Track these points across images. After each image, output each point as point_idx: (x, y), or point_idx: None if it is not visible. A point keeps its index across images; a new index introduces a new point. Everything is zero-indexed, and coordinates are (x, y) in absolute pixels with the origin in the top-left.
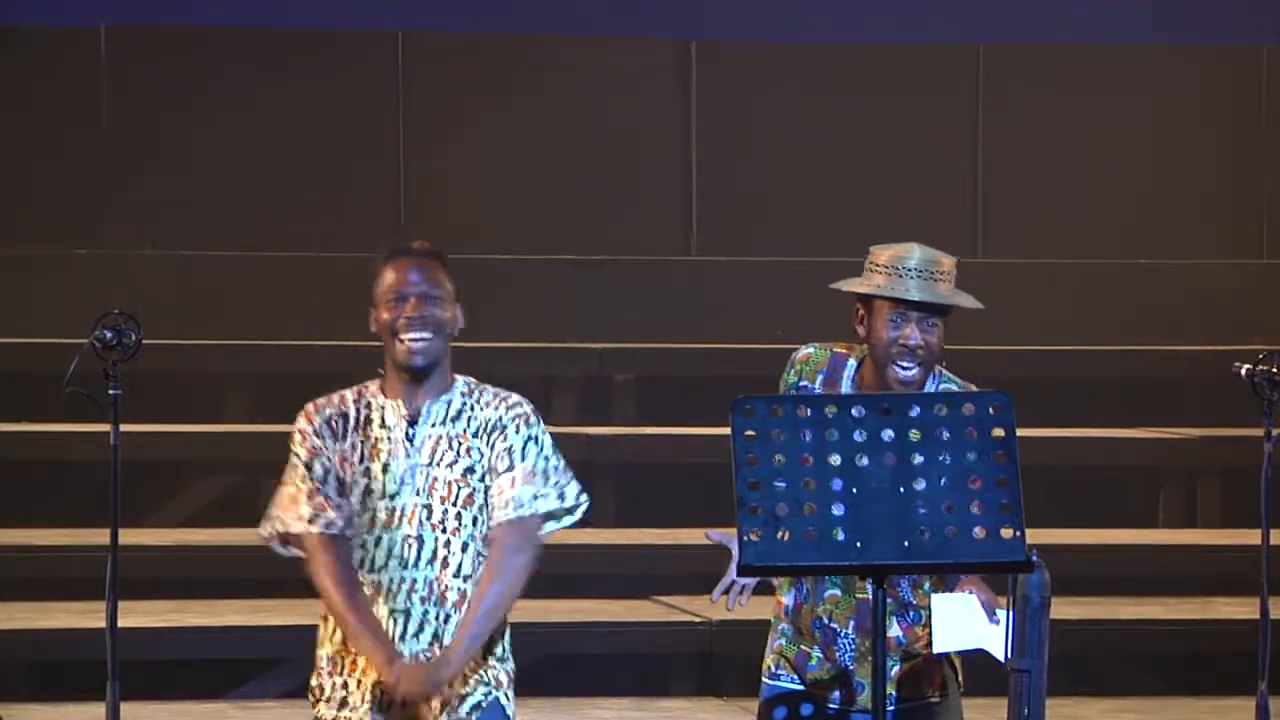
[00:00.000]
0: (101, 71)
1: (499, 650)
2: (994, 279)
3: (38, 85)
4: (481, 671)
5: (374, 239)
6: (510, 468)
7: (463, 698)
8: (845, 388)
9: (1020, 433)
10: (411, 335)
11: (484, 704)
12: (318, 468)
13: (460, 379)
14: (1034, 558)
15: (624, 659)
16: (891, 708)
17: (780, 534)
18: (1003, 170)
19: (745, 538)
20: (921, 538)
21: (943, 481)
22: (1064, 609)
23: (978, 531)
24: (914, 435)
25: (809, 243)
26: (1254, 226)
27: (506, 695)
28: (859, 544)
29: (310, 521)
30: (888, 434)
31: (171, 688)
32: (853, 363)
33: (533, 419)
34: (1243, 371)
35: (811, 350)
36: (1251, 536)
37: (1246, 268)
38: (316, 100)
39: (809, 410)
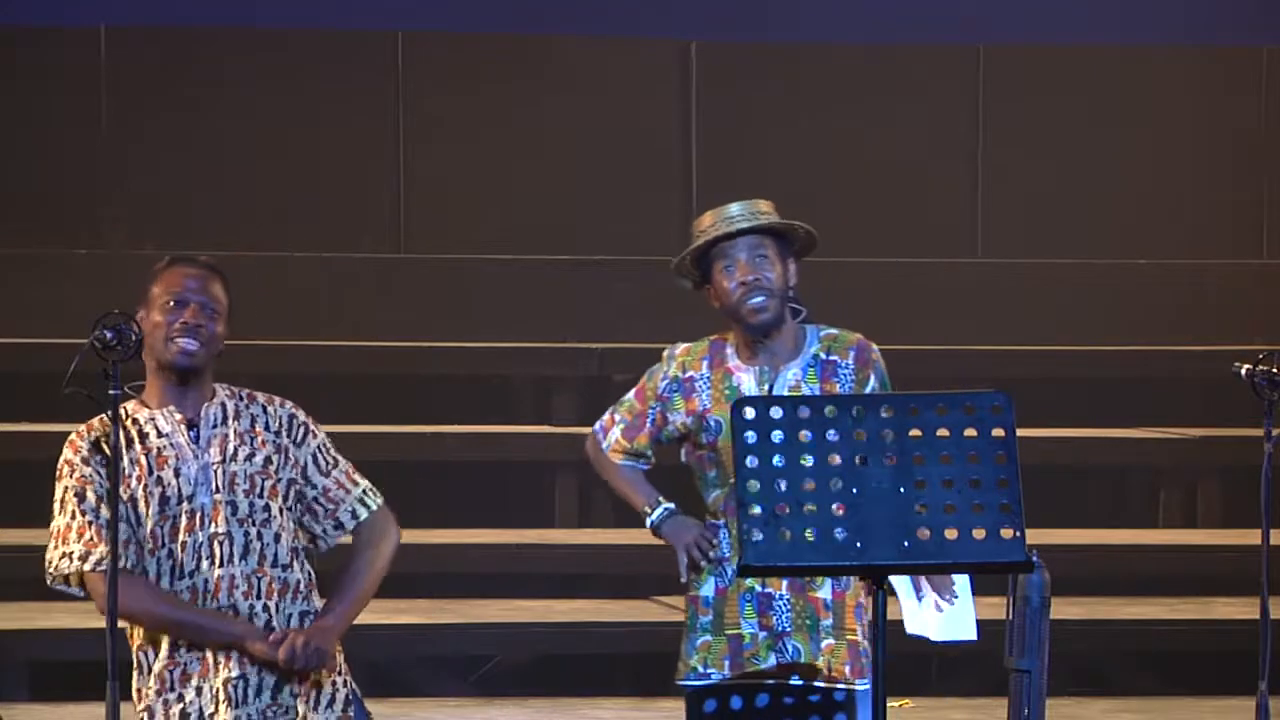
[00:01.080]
0: (101, 71)
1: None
2: (994, 279)
3: (38, 85)
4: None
5: (374, 239)
6: (335, 464)
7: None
8: (732, 361)
9: (1020, 433)
10: (185, 340)
11: (351, 698)
12: (90, 497)
13: (219, 386)
14: (1034, 558)
15: (624, 659)
16: (820, 684)
17: (781, 534)
18: (1003, 170)
19: (746, 538)
20: (921, 538)
21: (942, 482)
22: (1064, 609)
23: (977, 532)
24: (914, 435)
25: None
26: (1254, 226)
27: (352, 681)
28: (859, 544)
29: (82, 560)
30: (888, 434)
31: None
32: (731, 342)
33: (310, 419)
34: (1243, 371)
35: (688, 345)
36: (1251, 536)
37: (1246, 268)
38: (316, 100)
39: (809, 411)
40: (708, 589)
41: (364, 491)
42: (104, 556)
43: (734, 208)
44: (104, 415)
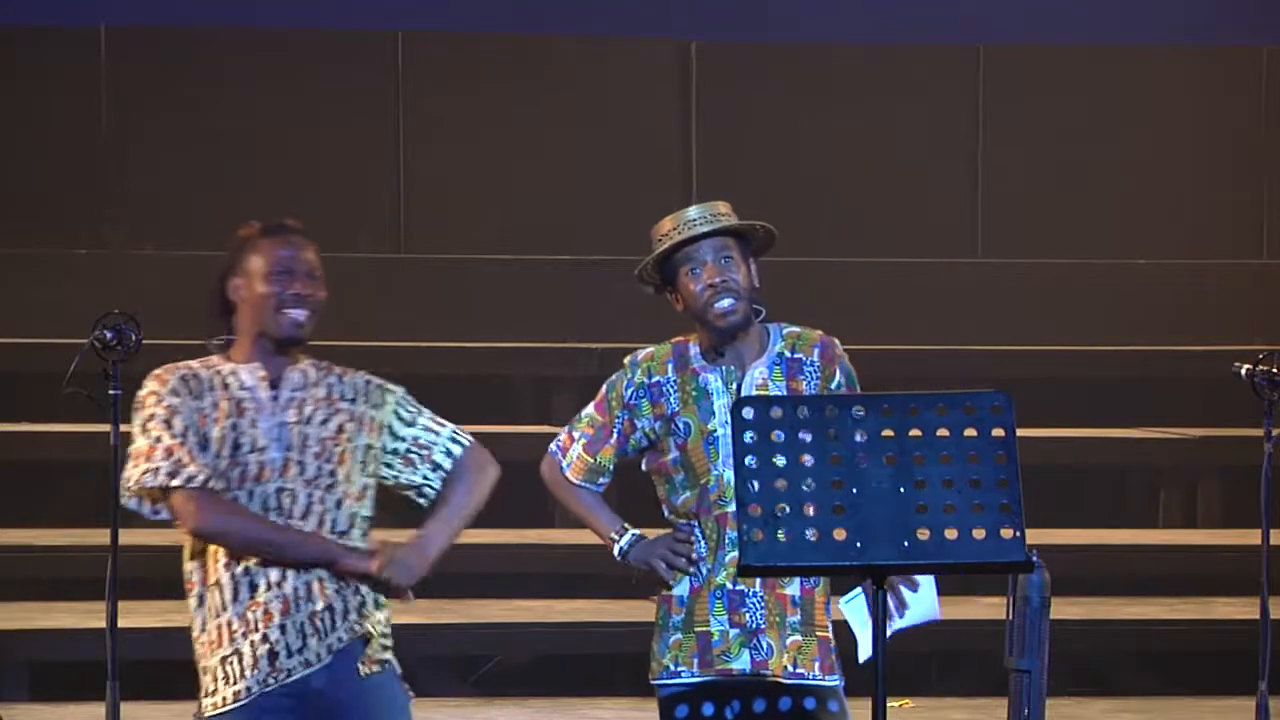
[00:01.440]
0: (101, 71)
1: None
2: (994, 279)
3: (38, 85)
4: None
5: (374, 239)
6: (419, 412)
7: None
8: (697, 363)
9: (1020, 433)
10: (297, 311)
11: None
12: (177, 424)
13: (304, 356)
14: (1034, 558)
15: (624, 659)
16: (788, 681)
17: (781, 534)
18: (1003, 170)
19: (746, 538)
20: (921, 538)
21: (942, 482)
22: (1064, 609)
23: (977, 532)
24: (914, 435)
25: (808, 243)
26: (1254, 226)
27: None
28: (859, 544)
29: (170, 476)
30: (887, 434)
31: (171, 688)
32: (694, 344)
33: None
34: (1243, 371)
35: (652, 349)
36: (1251, 536)
37: (1246, 268)
38: (316, 100)
39: (808, 411)
40: (681, 588)
41: (453, 432)
42: (194, 476)
43: (692, 211)
44: (189, 361)
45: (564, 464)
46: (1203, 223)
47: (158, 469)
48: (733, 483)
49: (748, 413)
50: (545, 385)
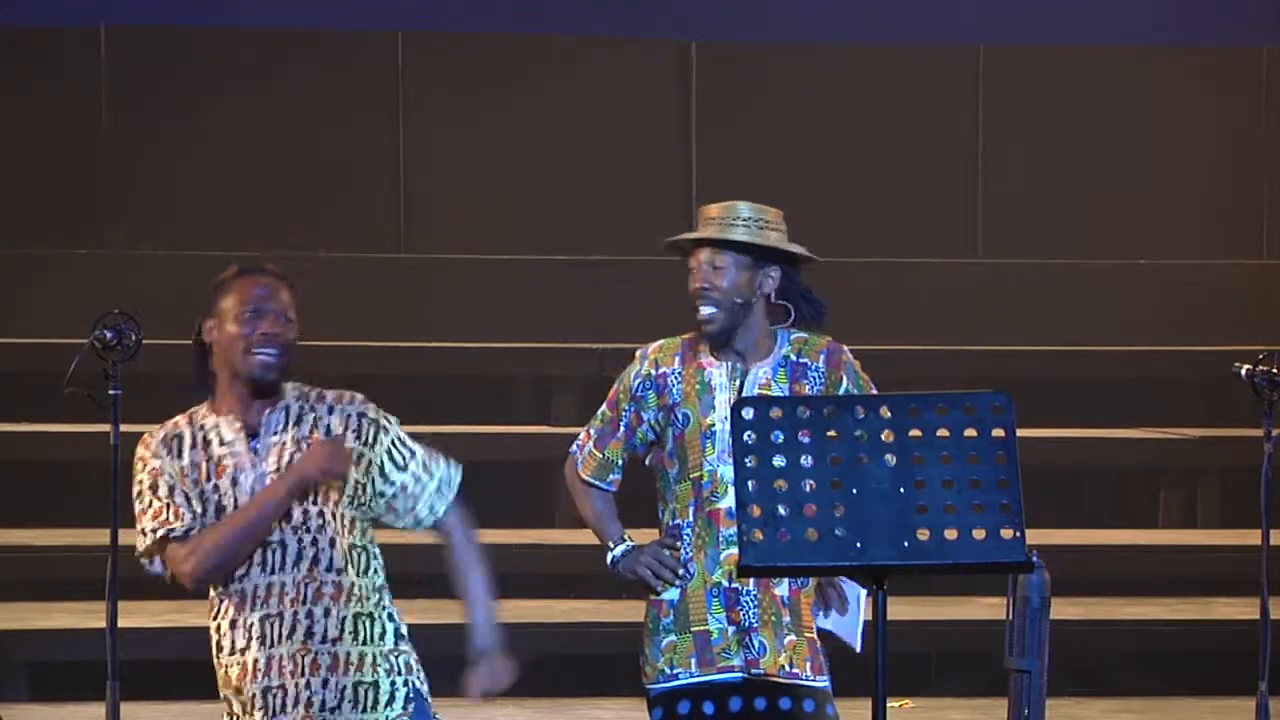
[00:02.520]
0: (101, 71)
1: (398, 634)
2: (994, 279)
3: (38, 85)
4: (391, 660)
5: (374, 239)
6: (412, 455)
7: (388, 697)
8: (704, 357)
9: (1020, 433)
10: (266, 350)
11: (410, 695)
12: (162, 487)
13: (289, 386)
14: (1034, 558)
15: (624, 659)
16: (785, 680)
17: (781, 534)
18: (1003, 170)
19: (746, 538)
20: (921, 538)
21: (942, 482)
22: (1064, 609)
23: (977, 532)
24: (914, 435)
25: (808, 243)
26: (1254, 226)
27: (419, 679)
28: (859, 544)
29: (154, 533)
30: (887, 434)
31: (171, 688)
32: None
33: (381, 412)
34: (1243, 371)
35: (661, 341)
36: (1251, 536)
37: (1246, 268)
38: (316, 100)
39: (808, 411)
40: (670, 592)
41: (439, 484)
42: (174, 527)
43: (716, 210)
44: (177, 419)
45: (579, 461)
46: (1203, 223)
47: (145, 529)
48: (727, 479)
49: (748, 413)
50: (545, 385)
